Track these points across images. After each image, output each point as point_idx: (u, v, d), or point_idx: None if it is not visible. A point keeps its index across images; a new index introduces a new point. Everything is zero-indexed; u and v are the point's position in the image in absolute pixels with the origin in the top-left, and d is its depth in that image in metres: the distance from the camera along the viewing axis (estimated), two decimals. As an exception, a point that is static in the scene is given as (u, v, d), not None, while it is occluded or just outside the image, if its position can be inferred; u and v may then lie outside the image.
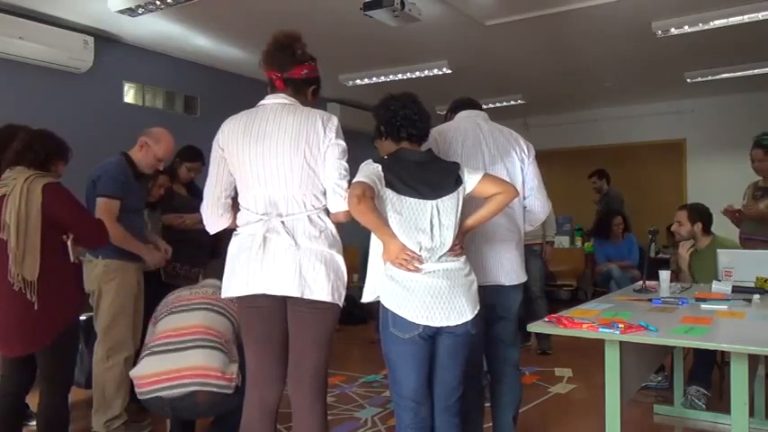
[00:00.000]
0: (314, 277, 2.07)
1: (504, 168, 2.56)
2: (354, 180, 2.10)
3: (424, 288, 2.09)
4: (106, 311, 3.23)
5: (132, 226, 3.28)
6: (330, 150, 2.11)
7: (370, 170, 2.12)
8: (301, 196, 2.10)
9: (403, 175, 2.14)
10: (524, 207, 2.63)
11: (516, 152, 2.61)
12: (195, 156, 4.11)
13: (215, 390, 2.62)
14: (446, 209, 2.15)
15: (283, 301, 2.13)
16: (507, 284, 2.53)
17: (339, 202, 2.10)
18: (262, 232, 2.09)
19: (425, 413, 2.17)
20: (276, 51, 2.18)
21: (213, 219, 2.21)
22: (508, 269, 2.54)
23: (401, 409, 2.18)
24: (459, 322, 2.12)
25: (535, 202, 2.63)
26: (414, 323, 2.08)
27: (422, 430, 2.16)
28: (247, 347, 2.23)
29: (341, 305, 2.16)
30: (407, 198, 2.12)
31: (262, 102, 2.21)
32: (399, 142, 2.26)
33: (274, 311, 2.14)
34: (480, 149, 2.55)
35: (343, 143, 2.13)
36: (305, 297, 2.07)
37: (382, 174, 2.12)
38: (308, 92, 2.25)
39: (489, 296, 2.43)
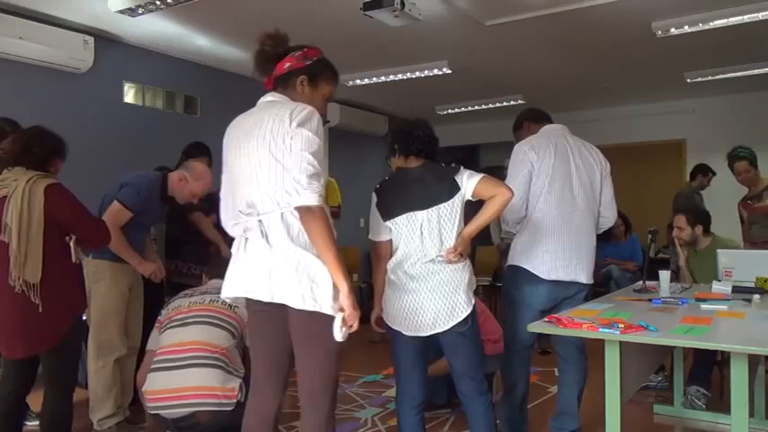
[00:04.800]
0: (283, 280, 1.93)
1: (588, 178, 2.87)
2: (371, 237, 2.47)
3: (408, 304, 2.41)
4: (95, 312, 3.26)
5: (135, 240, 3.29)
6: (293, 141, 1.92)
7: (373, 215, 2.51)
8: (273, 193, 1.96)
9: (395, 195, 2.45)
10: (599, 214, 2.96)
11: (597, 165, 2.93)
12: (201, 152, 4.11)
13: (214, 408, 2.67)
14: (434, 218, 2.39)
15: (282, 305, 2.00)
16: (585, 282, 2.87)
17: (294, 197, 1.90)
18: (241, 232, 2.06)
19: (414, 388, 2.51)
20: (256, 56, 2.18)
21: (227, 221, 2.16)
22: (589, 268, 2.88)
23: (397, 381, 2.57)
24: (440, 330, 2.40)
25: (607, 212, 2.96)
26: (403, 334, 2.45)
27: (408, 400, 2.51)
28: (251, 351, 2.22)
29: (324, 311, 1.93)
30: (398, 217, 2.42)
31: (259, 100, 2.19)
32: (408, 158, 2.52)
33: (272, 317, 2.05)
34: (568, 160, 2.83)
35: (307, 132, 1.93)
36: (275, 301, 1.95)
37: (377, 209, 2.49)
38: (296, 84, 2.14)
39: (565, 288, 2.81)
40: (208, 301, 2.93)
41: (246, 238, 2.03)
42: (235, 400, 2.69)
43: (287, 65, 2.14)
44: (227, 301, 2.89)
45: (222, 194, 2.16)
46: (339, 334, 1.92)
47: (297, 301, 1.93)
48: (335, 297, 1.94)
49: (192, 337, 2.80)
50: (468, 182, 2.40)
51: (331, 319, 1.94)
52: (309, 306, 1.93)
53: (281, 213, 1.96)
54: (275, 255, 1.95)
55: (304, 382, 2.05)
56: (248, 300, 2.09)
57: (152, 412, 2.80)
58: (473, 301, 2.45)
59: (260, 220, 1.99)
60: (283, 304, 1.97)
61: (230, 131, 2.15)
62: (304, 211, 1.90)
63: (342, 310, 1.92)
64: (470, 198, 2.42)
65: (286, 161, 1.93)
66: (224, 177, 2.16)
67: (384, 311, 2.50)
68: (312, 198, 1.89)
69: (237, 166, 2.06)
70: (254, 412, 2.14)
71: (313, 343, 2.00)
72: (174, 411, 2.69)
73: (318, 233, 1.90)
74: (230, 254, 2.13)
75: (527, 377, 2.98)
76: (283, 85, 2.14)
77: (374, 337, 4.65)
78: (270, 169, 1.96)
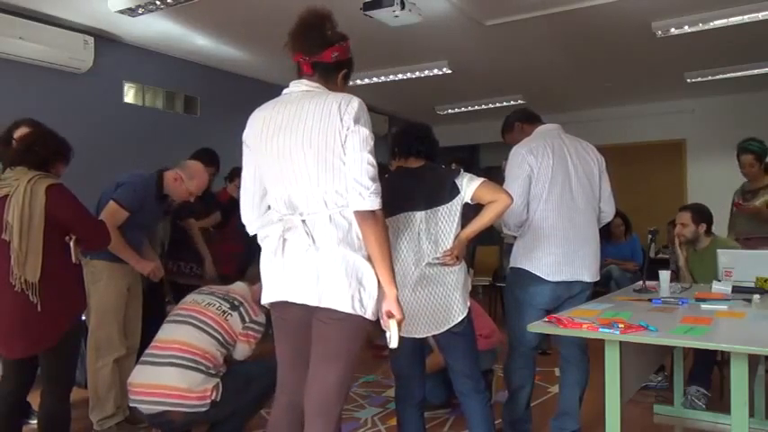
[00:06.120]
0: (332, 283, 1.84)
1: (586, 177, 2.89)
2: None
3: (405, 306, 2.33)
4: (93, 312, 3.26)
5: (133, 239, 3.30)
6: (349, 140, 1.82)
7: None
8: (321, 194, 1.85)
9: (394, 193, 2.36)
10: (599, 209, 2.99)
11: (594, 162, 2.96)
12: (211, 161, 4.14)
13: (187, 410, 2.67)
14: (432, 219, 2.40)
15: (311, 309, 1.91)
16: (589, 281, 2.89)
17: (357, 201, 1.81)
18: (280, 233, 1.93)
19: (414, 386, 2.54)
20: (304, 32, 1.95)
21: (250, 220, 2.04)
22: (594, 266, 2.89)
23: (396, 380, 2.59)
24: (436, 333, 2.42)
25: (607, 207, 3.00)
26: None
27: (407, 398, 2.55)
28: (277, 354, 2.10)
29: (366, 316, 1.88)
30: (397, 216, 2.39)
31: (286, 89, 2.01)
32: (408, 159, 2.52)
33: (303, 324, 1.95)
34: (566, 160, 2.85)
35: (364, 130, 1.84)
36: (322, 305, 1.86)
37: None
38: (337, 77, 2.01)
39: (568, 288, 2.82)
40: (204, 304, 2.90)
41: (285, 240, 1.92)
42: (209, 401, 2.67)
43: (335, 54, 1.96)
44: (224, 306, 2.90)
45: (246, 193, 2.03)
46: (396, 341, 1.89)
47: (346, 305, 1.84)
48: (378, 303, 1.90)
49: (177, 336, 2.79)
50: (469, 185, 2.40)
51: (365, 323, 1.89)
52: (357, 309, 1.85)
53: (330, 215, 1.86)
54: (323, 257, 1.86)
55: (321, 385, 1.91)
56: (273, 303, 2.00)
57: (131, 405, 2.81)
58: (468, 304, 2.46)
59: (303, 221, 1.88)
60: (307, 306, 1.89)
61: (259, 125, 1.97)
62: (367, 216, 1.82)
63: (390, 315, 1.88)
64: (469, 201, 2.43)
65: (336, 161, 1.83)
66: (249, 175, 2.02)
67: (380, 311, 2.48)
68: (377, 202, 1.82)
69: (273, 164, 1.92)
70: (283, 410, 2.06)
71: (342, 347, 1.91)
72: (148, 407, 2.70)
73: (377, 239, 1.83)
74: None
75: (533, 379, 2.98)
76: (325, 74, 1.98)
77: (374, 337, 4.63)
78: (318, 168, 1.84)
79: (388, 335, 1.91)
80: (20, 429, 2.83)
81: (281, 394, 2.08)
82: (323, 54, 1.95)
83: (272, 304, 2.01)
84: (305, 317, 1.92)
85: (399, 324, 1.90)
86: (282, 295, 1.93)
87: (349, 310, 1.84)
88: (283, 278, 1.92)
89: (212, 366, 2.74)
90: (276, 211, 1.95)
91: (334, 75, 2.00)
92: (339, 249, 1.86)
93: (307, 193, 1.87)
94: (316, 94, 1.92)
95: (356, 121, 1.84)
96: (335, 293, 1.85)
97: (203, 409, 2.68)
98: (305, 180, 1.86)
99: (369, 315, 1.88)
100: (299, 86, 1.97)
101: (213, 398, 2.68)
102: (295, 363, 2.02)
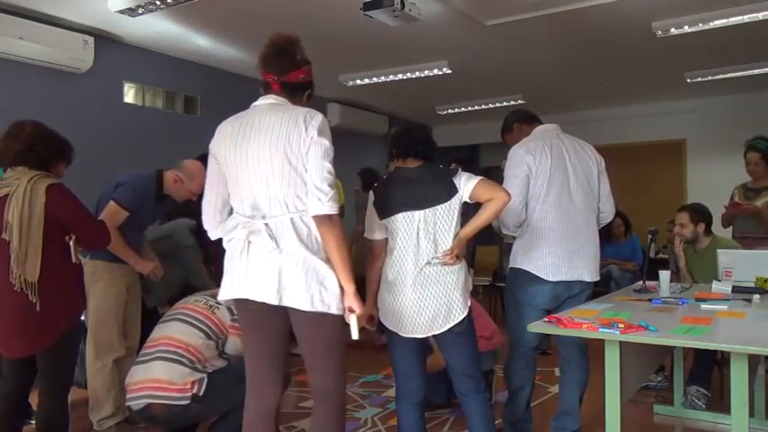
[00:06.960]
0: (292, 284, 2.01)
1: (585, 177, 2.89)
2: (366, 235, 2.50)
3: (405, 306, 2.40)
4: (92, 313, 3.27)
5: (132, 239, 3.30)
6: (312, 149, 2.01)
7: (369, 213, 2.49)
8: (283, 197, 2.02)
9: (392, 193, 2.44)
10: (598, 210, 2.98)
11: (593, 162, 2.95)
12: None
13: (167, 402, 2.68)
14: (431, 218, 2.40)
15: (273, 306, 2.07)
16: (589, 281, 2.88)
17: (316, 205, 1.99)
18: (245, 235, 2.06)
19: (413, 386, 2.52)
20: (275, 55, 2.15)
21: (212, 226, 2.19)
22: (594, 266, 2.89)
23: (396, 379, 2.58)
24: (436, 332, 2.41)
25: (607, 206, 2.99)
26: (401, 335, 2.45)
27: (407, 398, 2.53)
28: (245, 350, 2.23)
29: (331, 312, 2.05)
30: (396, 216, 2.42)
31: (254, 103, 2.18)
32: (406, 159, 2.52)
33: (266, 315, 2.09)
34: (565, 160, 2.85)
35: (326, 141, 2.03)
36: (282, 304, 2.03)
37: (374, 207, 2.47)
38: (303, 96, 2.21)
39: (567, 287, 2.81)
40: (192, 301, 2.97)
41: (250, 242, 2.05)
42: (189, 395, 2.67)
43: (301, 76, 2.17)
44: (211, 302, 2.92)
45: (209, 200, 2.18)
46: (356, 333, 2.09)
47: (306, 304, 2.02)
48: (342, 298, 2.07)
49: (165, 332, 2.84)
50: (467, 184, 2.41)
51: (334, 317, 2.07)
52: (318, 308, 2.03)
53: (291, 218, 2.02)
54: (285, 258, 2.02)
55: (319, 378, 2.13)
56: (236, 300, 2.13)
57: (127, 404, 2.86)
58: (469, 303, 2.45)
59: (266, 224, 2.03)
60: (267, 304, 2.03)
61: (227, 135, 2.13)
62: (325, 220, 2.01)
63: (351, 310, 2.07)
64: (468, 200, 2.43)
65: (299, 166, 2.01)
66: (213, 183, 2.18)
67: (380, 312, 2.49)
68: (334, 207, 2.01)
69: (241, 169, 2.07)
70: (254, 408, 2.16)
71: (327, 342, 2.10)
72: (134, 403, 2.75)
73: (335, 241, 2.01)
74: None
75: (533, 379, 2.98)
76: (291, 92, 2.16)
77: (373, 337, 4.63)
78: (283, 173, 2.01)
79: (351, 328, 2.09)
80: (20, 429, 2.83)
81: (251, 397, 2.18)
82: (290, 75, 2.15)
83: (236, 301, 2.14)
84: (266, 310, 2.06)
85: (359, 318, 2.09)
86: (244, 293, 2.07)
87: (309, 309, 2.02)
88: (246, 277, 2.06)
89: (197, 361, 2.76)
90: (241, 215, 2.09)
91: (299, 94, 2.20)
92: (301, 251, 2.02)
93: (270, 196, 2.03)
94: (282, 107, 2.11)
95: (319, 132, 2.02)
96: (296, 293, 2.02)
97: (184, 402, 2.67)
98: (270, 184, 2.03)
99: (334, 311, 2.06)
100: (266, 100, 2.14)
101: (195, 392, 2.69)
102: (261, 356, 2.15)
